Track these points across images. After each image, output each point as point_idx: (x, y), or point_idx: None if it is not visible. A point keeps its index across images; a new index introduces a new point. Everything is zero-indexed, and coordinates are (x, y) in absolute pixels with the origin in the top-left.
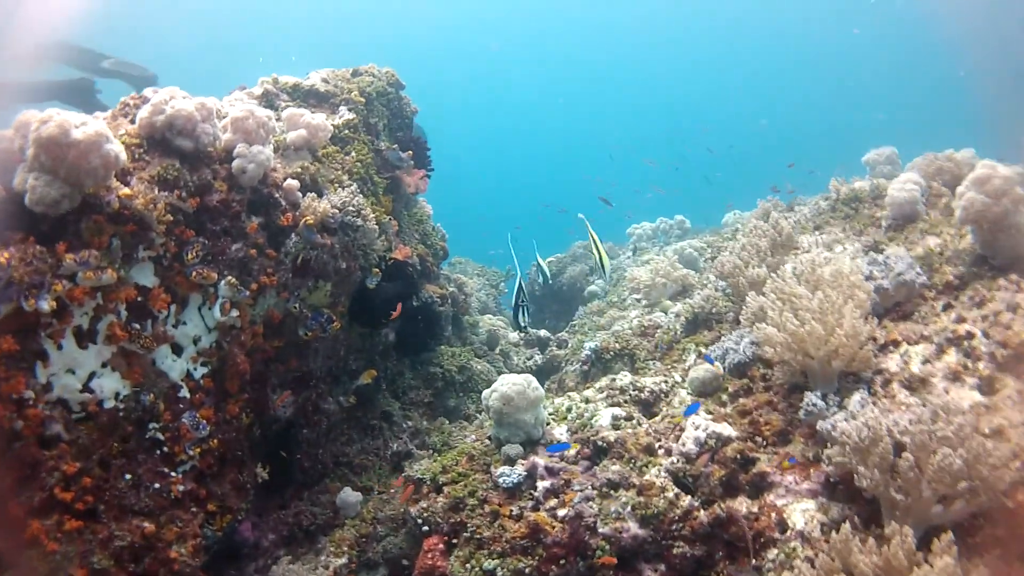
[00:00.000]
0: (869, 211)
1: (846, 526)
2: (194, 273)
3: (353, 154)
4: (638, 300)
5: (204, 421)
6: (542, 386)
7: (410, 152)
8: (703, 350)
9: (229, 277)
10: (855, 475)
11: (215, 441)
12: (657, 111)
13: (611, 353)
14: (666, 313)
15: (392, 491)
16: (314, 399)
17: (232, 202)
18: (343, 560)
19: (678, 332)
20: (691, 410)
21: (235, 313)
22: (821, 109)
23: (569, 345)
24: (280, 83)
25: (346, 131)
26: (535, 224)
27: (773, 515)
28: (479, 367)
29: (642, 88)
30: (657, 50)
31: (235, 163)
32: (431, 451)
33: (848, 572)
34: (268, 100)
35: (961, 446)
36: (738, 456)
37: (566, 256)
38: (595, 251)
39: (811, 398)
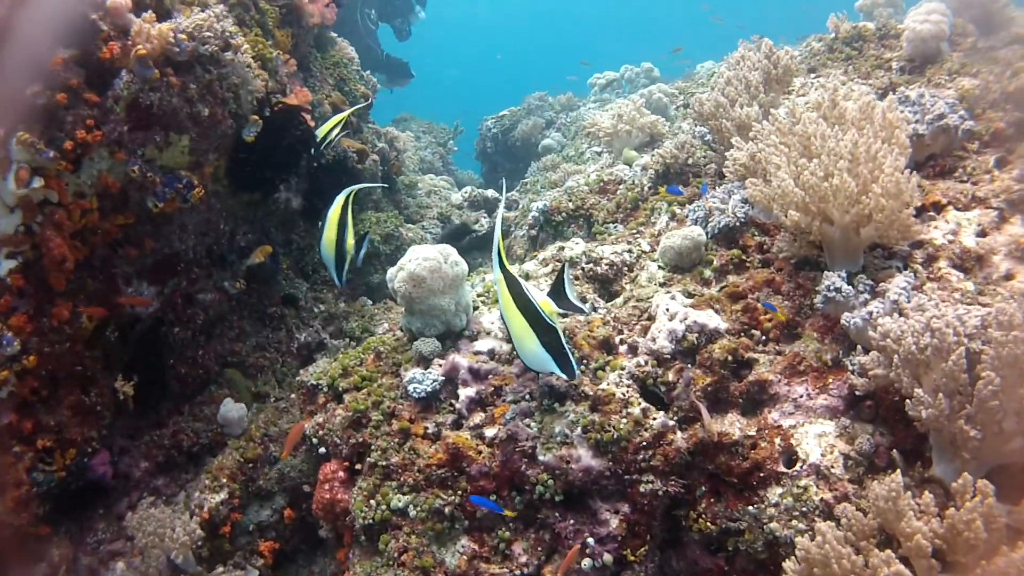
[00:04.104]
0: (876, 52)
1: (896, 478)
2: None
3: None
4: (598, 153)
5: (10, 334)
6: (487, 255)
7: None
8: (677, 210)
9: (21, 133)
10: (908, 400)
11: (32, 358)
12: None
13: (563, 214)
14: (631, 166)
15: (292, 396)
16: (184, 288)
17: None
18: (222, 496)
19: (645, 188)
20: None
21: (38, 183)
22: None
23: (520, 206)
24: None
25: None
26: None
27: (777, 441)
28: (410, 235)
29: None
30: None
31: None
32: (348, 340)
33: (889, 536)
34: None
35: None
36: (729, 357)
37: (519, 109)
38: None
39: (833, 280)
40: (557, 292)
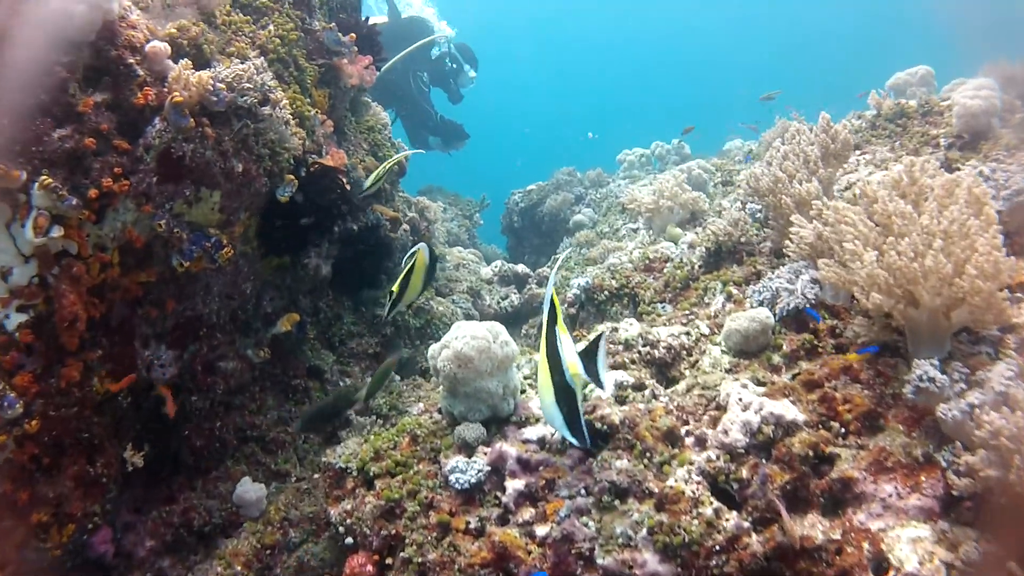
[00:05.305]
0: (920, 128)
1: None
2: None
3: (271, 28)
4: (634, 229)
5: (13, 394)
6: (518, 332)
7: (353, 36)
8: (734, 290)
9: (44, 177)
10: None
11: (34, 422)
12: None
13: (606, 293)
14: (676, 243)
15: (315, 476)
16: (205, 354)
17: (53, 65)
18: None
19: (695, 267)
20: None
21: (57, 232)
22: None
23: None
24: None
25: None
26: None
27: (866, 545)
28: (441, 308)
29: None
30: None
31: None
32: (375, 417)
33: None
34: None
35: None
36: (810, 453)
37: (548, 184)
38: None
39: (925, 368)
40: (587, 359)
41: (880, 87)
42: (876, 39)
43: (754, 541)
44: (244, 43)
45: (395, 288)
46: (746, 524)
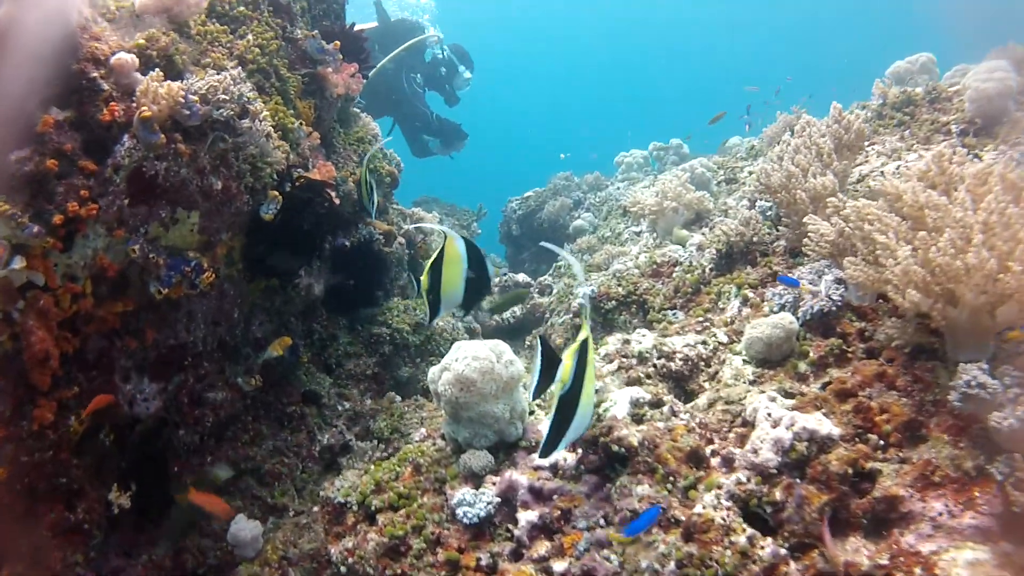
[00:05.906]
0: (929, 115)
1: None
2: None
3: (250, 37)
4: (636, 233)
5: None
6: (521, 344)
7: (337, 44)
8: (750, 294)
9: (0, 204)
10: None
11: (2, 470)
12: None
13: (612, 301)
14: (683, 246)
15: (314, 509)
16: (192, 385)
17: (7, 80)
18: None
19: (706, 270)
20: None
21: (19, 263)
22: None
23: (554, 291)
24: None
25: (241, 7)
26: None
27: (917, 571)
28: (441, 323)
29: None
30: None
31: (3, 8)
32: (376, 441)
33: None
34: None
35: None
36: (849, 470)
37: (546, 189)
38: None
39: (974, 374)
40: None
41: (879, 77)
42: (874, 29)
43: (793, 570)
44: (221, 53)
45: (424, 277)
46: (783, 551)
